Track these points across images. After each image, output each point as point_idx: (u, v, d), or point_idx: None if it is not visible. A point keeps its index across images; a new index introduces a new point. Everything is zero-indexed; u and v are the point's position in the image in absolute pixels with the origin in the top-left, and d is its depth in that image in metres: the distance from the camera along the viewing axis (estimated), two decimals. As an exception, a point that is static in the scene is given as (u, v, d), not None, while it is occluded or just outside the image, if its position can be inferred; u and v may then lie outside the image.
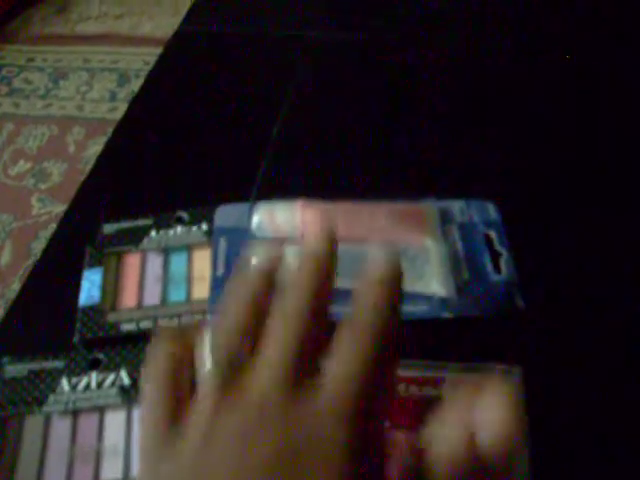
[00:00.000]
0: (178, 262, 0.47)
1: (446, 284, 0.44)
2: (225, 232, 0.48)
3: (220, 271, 0.46)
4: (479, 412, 0.24)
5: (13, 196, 1.58)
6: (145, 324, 0.43)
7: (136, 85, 1.81)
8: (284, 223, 0.46)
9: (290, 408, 0.23)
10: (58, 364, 0.41)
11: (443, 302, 0.44)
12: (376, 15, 0.70)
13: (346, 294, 0.41)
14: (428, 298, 0.44)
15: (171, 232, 0.49)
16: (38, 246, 1.45)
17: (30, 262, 1.42)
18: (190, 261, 0.47)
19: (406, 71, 0.63)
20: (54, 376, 0.41)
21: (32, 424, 0.39)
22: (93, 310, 0.44)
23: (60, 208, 1.52)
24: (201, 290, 0.45)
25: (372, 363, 0.24)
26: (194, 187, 0.55)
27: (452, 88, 0.61)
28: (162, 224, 0.49)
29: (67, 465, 0.38)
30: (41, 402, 0.39)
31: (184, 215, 0.49)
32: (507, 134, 0.56)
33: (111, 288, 0.46)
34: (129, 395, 0.40)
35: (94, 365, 0.41)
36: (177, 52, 0.70)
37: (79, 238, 0.51)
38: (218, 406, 0.24)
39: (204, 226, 0.49)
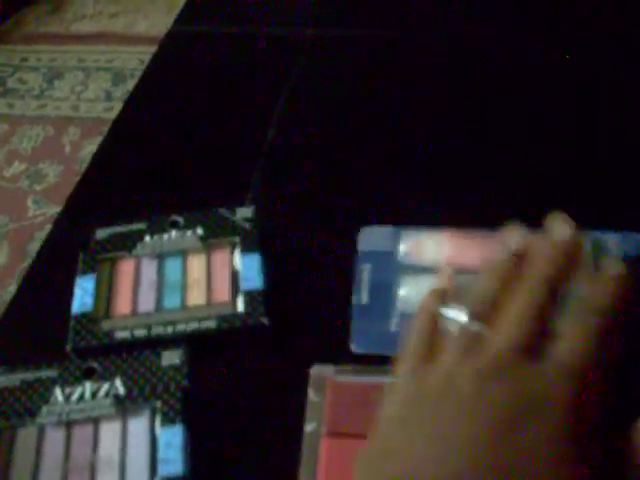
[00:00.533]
0: (173, 268, 0.47)
1: None
2: (370, 257, 0.47)
3: (364, 299, 0.44)
4: None
5: (8, 197, 1.57)
6: (140, 332, 0.42)
7: (132, 84, 1.79)
8: (431, 252, 0.45)
9: (521, 367, 0.28)
10: (51, 373, 0.41)
11: None
12: (373, 12, 0.69)
13: None
14: None
15: (165, 237, 0.48)
16: (34, 247, 1.44)
17: (26, 264, 1.41)
18: (185, 266, 0.47)
19: (404, 69, 0.62)
20: (47, 386, 0.40)
21: (25, 436, 0.39)
22: (86, 318, 0.43)
23: (56, 209, 1.51)
24: (196, 296, 0.45)
25: (597, 339, 0.28)
26: (188, 190, 0.54)
27: (449, 87, 0.60)
28: (156, 229, 0.48)
29: (61, 478, 0.37)
30: (34, 413, 0.39)
31: (179, 219, 0.49)
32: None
33: (104, 295, 0.45)
34: (124, 405, 0.39)
35: (88, 374, 0.41)
36: (170, 53, 0.69)
37: (72, 243, 0.50)
38: (461, 354, 0.29)
39: (199, 230, 0.48)
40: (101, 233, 0.48)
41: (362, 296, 0.45)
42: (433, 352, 0.31)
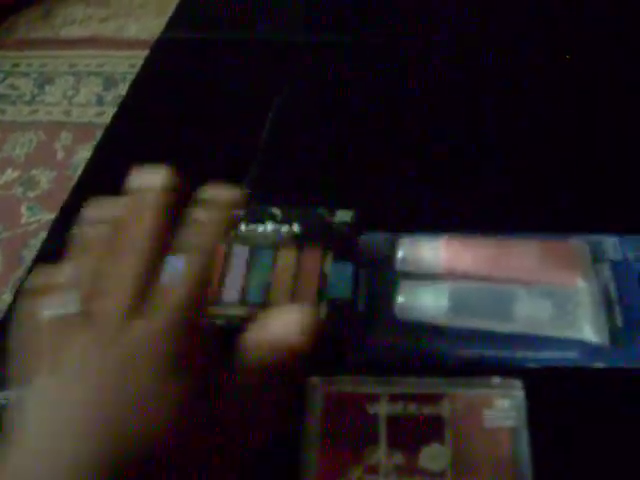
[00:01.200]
0: (262, 260, 0.46)
1: (599, 330, 0.41)
2: (367, 264, 0.47)
3: (361, 306, 0.45)
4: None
5: (2, 205, 1.56)
6: (220, 322, 0.43)
7: (123, 89, 1.80)
8: (428, 258, 0.45)
9: (128, 326, 0.29)
10: None
11: (595, 350, 0.41)
12: (365, 17, 0.69)
13: (491, 336, 0.42)
14: (579, 344, 0.41)
15: (260, 228, 0.47)
16: (28, 255, 1.44)
17: (21, 272, 1.40)
18: (275, 261, 0.46)
19: (399, 72, 0.62)
20: None
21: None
22: None
23: (49, 216, 1.50)
24: (280, 295, 0.45)
25: (191, 294, 0.30)
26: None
27: (447, 91, 0.60)
28: (254, 218, 0.48)
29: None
30: None
31: (277, 212, 0.48)
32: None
33: None
34: None
35: None
36: (161, 59, 0.68)
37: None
38: (69, 336, 0.29)
39: (295, 227, 0.47)
40: None
41: (359, 303, 0.45)
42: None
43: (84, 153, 1.61)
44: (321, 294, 0.44)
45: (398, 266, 0.46)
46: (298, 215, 0.48)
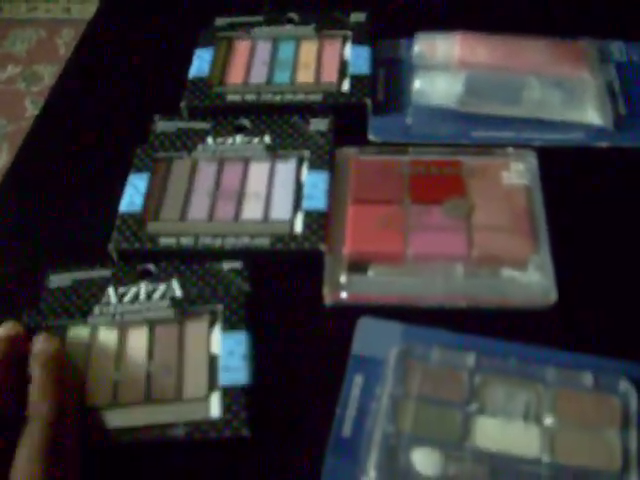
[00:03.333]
0: (285, 50, 0.51)
1: (603, 114, 0.44)
2: (384, 63, 0.51)
3: (380, 97, 0.49)
4: None
5: (6, 100, 1.56)
6: (250, 97, 0.48)
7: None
8: (444, 52, 0.48)
9: None
10: None
11: (600, 131, 0.44)
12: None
13: (503, 119, 0.46)
14: (585, 127, 0.45)
15: (280, 27, 0.53)
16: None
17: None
18: (297, 50, 0.51)
19: None
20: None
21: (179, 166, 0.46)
22: (202, 82, 0.49)
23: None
24: (305, 75, 0.49)
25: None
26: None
27: None
28: (272, 21, 0.53)
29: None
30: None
31: (294, 16, 0.53)
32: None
33: (220, 65, 0.50)
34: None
35: None
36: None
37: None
38: None
39: (312, 25, 0.52)
40: (220, 21, 0.53)
41: (378, 95, 0.48)
42: None
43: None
44: (343, 74, 0.49)
45: (415, 60, 0.49)
46: (316, 18, 0.52)
